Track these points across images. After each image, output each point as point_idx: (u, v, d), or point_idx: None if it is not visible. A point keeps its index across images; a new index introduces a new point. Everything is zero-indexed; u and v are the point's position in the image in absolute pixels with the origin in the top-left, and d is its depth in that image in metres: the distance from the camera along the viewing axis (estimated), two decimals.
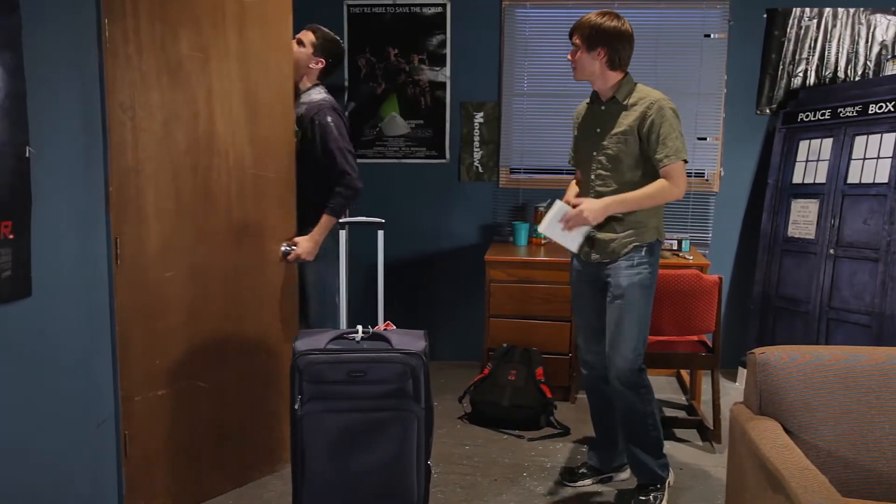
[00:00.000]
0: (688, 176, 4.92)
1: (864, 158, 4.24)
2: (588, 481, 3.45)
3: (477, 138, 5.17)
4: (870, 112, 4.24)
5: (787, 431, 2.30)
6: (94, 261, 2.63)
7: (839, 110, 4.45)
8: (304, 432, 2.49)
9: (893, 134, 4.11)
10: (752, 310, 4.86)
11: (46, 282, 2.30)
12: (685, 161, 3.06)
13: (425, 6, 5.07)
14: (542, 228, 3.09)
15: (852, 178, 4.29)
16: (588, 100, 3.30)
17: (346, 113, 4.98)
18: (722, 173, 5.04)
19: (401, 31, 5.11)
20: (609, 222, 3.11)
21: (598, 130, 3.17)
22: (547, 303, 4.46)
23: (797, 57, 4.88)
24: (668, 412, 4.38)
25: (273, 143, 3.22)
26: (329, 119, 3.36)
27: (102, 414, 2.71)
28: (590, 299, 3.30)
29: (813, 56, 4.87)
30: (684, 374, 4.87)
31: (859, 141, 4.30)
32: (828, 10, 4.82)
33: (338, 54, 3.60)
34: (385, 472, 2.53)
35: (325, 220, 3.34)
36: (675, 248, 4.79)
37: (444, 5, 5.06)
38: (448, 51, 5.11)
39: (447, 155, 5.22)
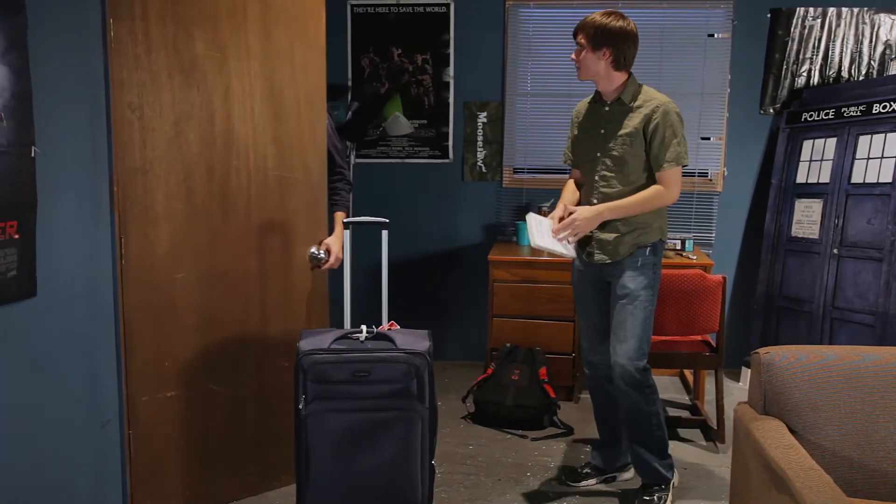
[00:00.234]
0: (692, 176, 5.00)
1: (868, 158, 4.24)
2: (591, 481, 3.44)
3: (480, 138, 5.17)
4: (874, 112, 4.24)
5: (792, 431, 2.30)
6: (99, 261, 2.63)
7: (843, 110, 4.44)
8: (308, 432, 2.49)
9: None
10: (756, 310, 4.86)
11: (51, 281, 2.30)
12: (685, 165, 3.07)
13: (429, 6, 5.07)
14: (535, 244, 3.04)
15: (856, 178, 4.28)
16: (589, 99, 3.29)
17: (350, 113, 4.99)
18: (725, 173, 5.04)
19: (404, 31, 5.12)
20: (612, 223, 3.11)
21: (603, 131, 3.16)
22: (550, 302, 4.46)
23: (801, 56, 4.88)
24: (672, 412, 4.38)
25: (300, 144, 3.13)
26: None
27: (107, 414, 2.71)
28: (592, 299, 3.30)
29: (817, 56, 4.86)
30: (688, 373, 4.86)
31: (863, 141, 4.29)
32: (832, 10, 4.81)
33: None
34: (389, 472, 2.53)
35: (342, 217, 3.36)
36: (678, 247, 4.80)
37: (447, 5, 5.06)
38: (452, 50, 5.11)
39: (451, 155, 5.22)
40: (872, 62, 4.82)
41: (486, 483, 3.46)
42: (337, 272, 3.28)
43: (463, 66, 5.13)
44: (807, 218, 4.57)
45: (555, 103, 5.09)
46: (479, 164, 5.20)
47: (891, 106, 4.14)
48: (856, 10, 4.79)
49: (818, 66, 4.87)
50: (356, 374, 2.46)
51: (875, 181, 4.15)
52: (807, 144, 4.68)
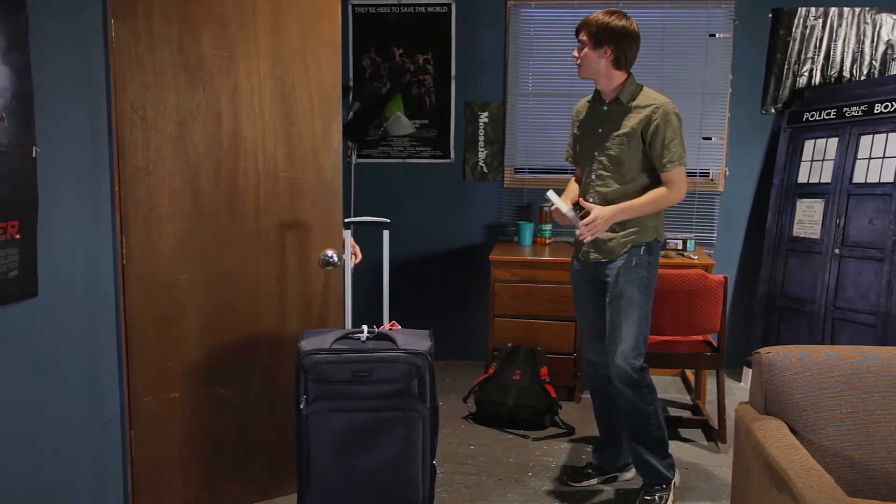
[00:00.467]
0: (693, 176, 5.00)
1: (870, 158, 4.23)
2: (593, 481, 3.45)
3: (482, 138, 5.17)
4: (875, 111, 4.24)
5: (793, 431, 2.30)
6: (100, 261, 2.63)
7: (844, 110, 4.44)
8: (309, 432, 2.49)
9: None
10: (757, 309, 4.85)
11: (53, 281, 2.31)
12: (685, 164, 3.08)
13: (430, 6, 5.07)
14: (552, 200, 3.09)
15: (858, 178, 4.28)
16: (589, 98, 3.30)
17: (351, 113, 4.99)
18: (727, 173, 5.04)
19: (406, 31, 5.12)
20: (608, 229, 3.12)
21: (600, 131, 3.17)
22: (551, 302, 4.46)
23: (802, 56, 4.87)
24: (673, 412, 4.38)
25: (312, 144, 3.06)
26: None
27: (108, 414, 2.72)
28: (590, 299, 3.30)
29: (818, 55, 4.86)
30: (689, 373, 4.86)
31: (865, 140, 4.29)
32: (833, 10, 4.81)
33: None
34: (390, 472, 2.53)
35: None
36: (680, 247, 4.79)
37: (448, 5, 5.06)
38: (453, 50, 5.11)
39: (452, 155, 5.22)
40: (874, 62, 4.81)
41: (488, 483, 3.46)
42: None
43: (464, 66, 5.13)
44: (808, 218, 4.57)
45: (556, 103, 5.09)
46: (480, 164, 5.20)
47: (892, 106, 4.14)
48: (857, 9, 4.79)
49: (819, 66, 4.87)
50: (357, 374, 2.46)
51: (877, 181, 4.15)
52: (808, 144, 4.67)
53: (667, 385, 4.84)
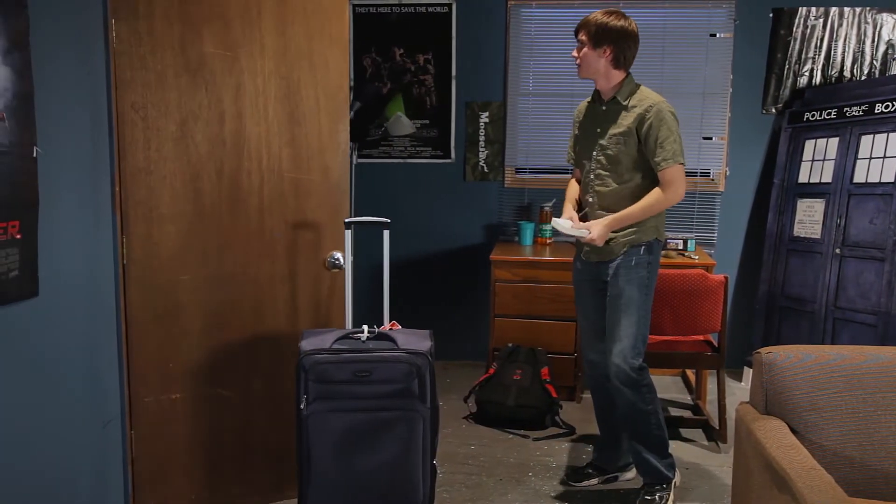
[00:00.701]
0: (694, 176, 5.00)
1: (871, 158, 4.23)
2: (593, 481, 3.45)
3: (482, 138, 5.17)
4: (876, 111, 4.23)
5: (793, 431, 2.30)
6: (101, 261, 2.63)
7: (845, 110, 4.44)
8: (309, 432, 2.50)
9: None
10: (758, 309, 4.85)
11: (53, 281, 2.31)
12: (682, 164, 3.08)
13: (431, 6, 5.08)
14: (555, 222, 3.17)
15: (858, 178, 4.28)
16: (589, 99, 3.32)
17: (352, 113, 4.99)
18: (727, 173, 5.03)
19: (406, 31, 5.12)
20: None
21: (598, 130, 3.19)
22: (552, 302, 4.46)
23: (803, 56, 4.87)
24: (674, 412, 4.38)
25: (318, 145, 3.03)
26: None
27: (109, 414, 2.72)
28: (591, 299, 3.31)
29: (819, 55, 4.86)
30: (690, 373, 4.86)
31: (865, 140, 4.29)
32: (834, 10, 4.81)
33: None
34: (390, 472, 2.53)
35: None
36: (680, 247, 4.79)
37: (449, 5, 5.06)
38: (454, 50, 5.11)
39: (452, 155, 5.22)
40: (874, 62, 4.81)
41: (488, 483, 3.46)
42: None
43: (465, 66, 5.13)
44: (809, 218, 4.57)
45: (557, 103, 5.09)
46: (480, 163, 5.20)
47: (893, 105, 4.14)
48: (858, 9, 4.79)
49: (820, 66, 4.87)
50: (357, 374, 2.46)
51: (877, 181, 4.15)
52: (809, 144, 4.67)
53: (667, 385, 4.84)
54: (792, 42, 4.87)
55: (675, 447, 3.38)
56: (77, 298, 2.48)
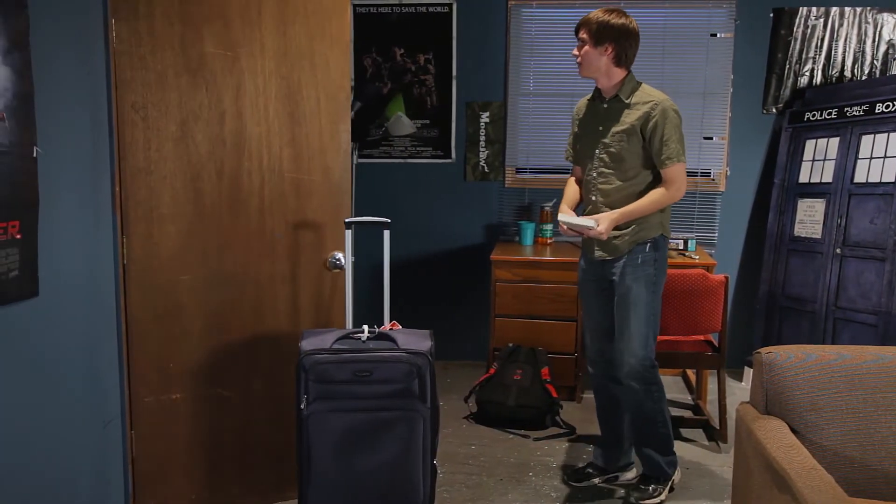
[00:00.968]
0: (694, 175, 4.99)
1: (871, 158, 4.23)
2: (594, 481, 3.45)
3: (483, 138, 5.17)
4: (876, 111, 4.23)
5: (794, 431, 2.30)
6: (101, 261, 2.63)
7: (846, 109, 4.44)
8: (309, 432, 2.50)
9: None
10: (759, 309, 4.85)
11: (53, 282, 2.31)
12: (684, 162, 3.09)
13: (431, 6, 5.08)
14: (561, 218, 3.16)
15: (859, 178, 4.28)
16: (589, 96, 3.32)
17: (352, 113, 4.99)
18: (728, 173, 5.03)
19: (407, 31, 5.12)
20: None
21: (601, 128, 3.18)
22: (552, 302, 4.46)
23: (804, 56, 4.87)
24: (675, 412, 4.37)
25: (319, 145, 3.03)
26: None
27: (109, 414, 2.72)
28: (596, 298, 3.31)
29: (819, 55, 4.86)
30: (690, 373, 4.86)
31: (866, 140, 4.29)
32: (834, 10, 4.81)
33: None
34: (391, 472, 2.53)
35: None
36: (680, 247, 4.79)
37: (450, 5, 5.06)
38: (454, 50, 5.11)
39: (453, 155, 5.22)
40: (875, 62, 4.81)
41: (489, 483, 3.46)
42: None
43: (465, 66, 5.13)
44: (809, 217, 4.57)
45: (557, 103, 5.09)
46: (481, 163, 5.20)
47: (893, 105, 4.14)
48: (858, 9, 4.78)
49: (821, 66, 4.87)
50: (358, 374, 2.46)
51: (878, 181, 4.15)
52: (809, 144, 4.67)
53: (668, 385, 4.83)
54: (792, 42, 4.87)
55: (675, 447, 3.38)
56: (77, 298, 2.48)
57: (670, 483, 3.32)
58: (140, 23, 2.68)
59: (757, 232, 5.00)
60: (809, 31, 4.85)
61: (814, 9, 4.82)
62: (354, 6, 5.13)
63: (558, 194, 5.00)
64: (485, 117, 5.15)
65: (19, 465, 2.20)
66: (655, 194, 3.10)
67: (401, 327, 2.73)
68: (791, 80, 4.90)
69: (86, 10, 2.50)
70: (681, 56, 4.94)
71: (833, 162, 4.46)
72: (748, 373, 4.77)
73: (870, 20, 4.78)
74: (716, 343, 4.02)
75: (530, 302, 4.48)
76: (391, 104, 5.18)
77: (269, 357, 3.05)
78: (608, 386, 3.36)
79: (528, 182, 5.20)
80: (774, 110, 4.95)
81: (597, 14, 3.10)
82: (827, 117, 4.56)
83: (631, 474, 3.47)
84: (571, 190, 3.38)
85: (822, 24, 4.83)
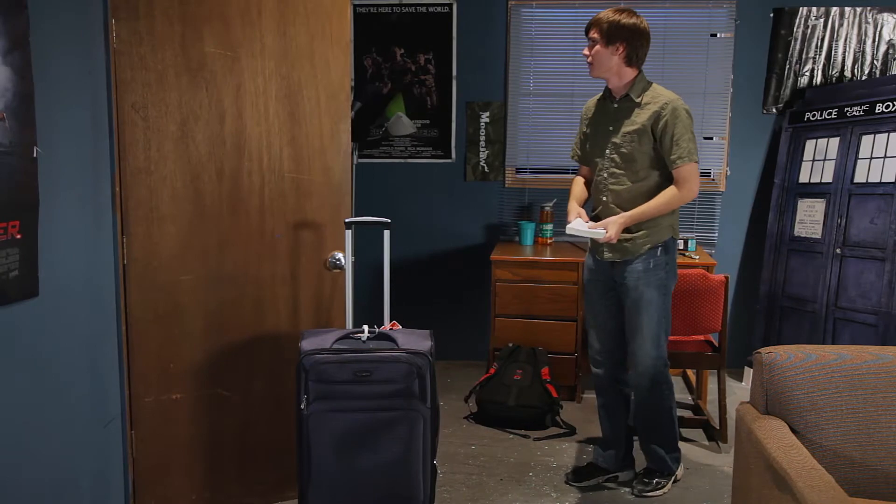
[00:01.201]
0: None
1: (871, 158, 4.23)
2: (594, 481, 3.45)
3: (483, 138, 5.17)
4: (877, 111, 4.23)
5: (794, 431, 2.30)
6: (101, 261, 2.63)
7: (846, 109, 4.44)
8: (309, 432, 2.50)
9: None
10: (759, 309, 4.85)
11: (53, 282, 2.31)
12: (697, 161, 3.09)
13: (431, 6, 5.08)
14: (569, 228, 3.14)
15: (859, 178, 4.28)
16: (599, 96, 3.31)
17: (353, 113, 4.99)
18: (728, 173, 5.03)
19: (407, 31, 5.12)
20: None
21: (611, 128, 3.18)
22: (553, 302, 4.46)
23: (804, 56, 4.87)
24: None
25: (320, 145, 3.03)
26: None
27: (109, 414, 2.72)
28: (601, 298, 3.31)
29: (819, 55, 4.86)
30: (690, 373, 4.86)
31: (866, 140, 4.29)
32: (835, 10, 4.81)
33: None
34: (391, 472, 2.53)
35: None
36: (681, 247, 4.79)
37: (450, 5, 5.06)
38: (454, 50, 5.11)
39: (453, 155, 5.22)
40: (875, 62, 4.81)
41: (489, 483, 3.46)
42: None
43: (465, 66, 5.13)
44: (809, 217, 4.57)
45: (557, 103, 5.09)
46: (481, 163, 5.20)
47: (893, 105, 4.14)
48: (859, 9, 4.78)
49: (821, 66, 4.87)
50: (358, 374, 2.46)
51: (878, 181, 4.15)
52: (809, 144, 4.67)
53: None
54: (792, 42, 4.87)
55: None
56: (77, 298, 2.48)
57: (673, 477, 3.35)
58: (140, 23, 2.68)
59: (757, 232, 5.00)
60: (809, 31, 4.85)
61: (814, 9, 4.83)
62: (354, 6, 5.13)
63: (558, 194, 5.03)
64: (485, 117, 5.15)
65: (19, 464, 2.20)
66: (666, 195, 3.09)
67: (401, 327, 2.73)
68: (791, 80, 4.90)
69: (86, 10, 2.50)
70: (681, 56, 4.94)
71: (833, 162, 4.46)
72: (748, 373, 4.77)
73: (870, 20, 4.78)
74: (716, 343, 4.02)
75: (530, 302, 4.48)
76: (391, 104, 5.18)
77: (270, 357, 3.05)
78: (611, 385, 3.37)
79: (528, 182, 5.20)
80: (774, 110, 4.95)
81: (607, 14, 3.09)
82: (827, 117, 4.56)
83: (631, 473, 3.48)
84: (578, 189, 3.37)
85: (822, 24, 4.83)
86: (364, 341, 2.57)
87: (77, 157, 2.46)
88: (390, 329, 2.68)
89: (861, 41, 4.81)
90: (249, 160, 2.93)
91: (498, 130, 5.15)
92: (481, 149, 5.19)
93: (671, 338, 3.96)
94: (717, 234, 5.08)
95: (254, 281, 2.99)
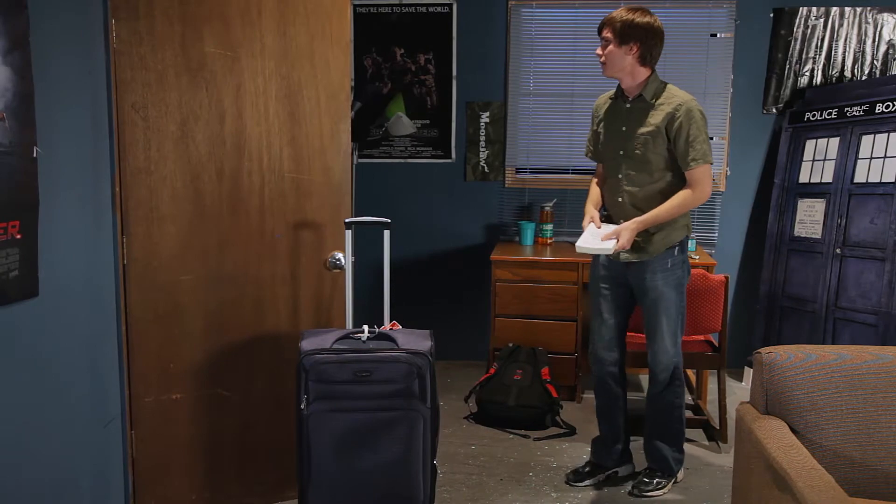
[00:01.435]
0: None
1: (871, 158, 4.23)
2: (594, 479, 3.45)
3: (483, 138, 5.17)
4: (876, 111, 4.23)
5: (794, 431, 2.30)
6: (101, 261, 2.63)
7: (846, 109, 4.44)
8: (309, 432, 2.50)
9: None
10: (759, 309, 4.85)
11: (53, 282, 2.31)
12: (711, 163, 3.09)
13: (431, 6, 5.08)
14: (579, 247, 3.13)
15: (859, 178, 4.28)
16: (610, 94, 3.28)
17: (353, 113, 4.99)
18: (728, 173, 5.03)
19: (407, 31, 5.12)
20: None
21: (624, 129, 3.16)
22: (552, 302, 4.45)
23: (804, 56, 4.87)
24: None
25: (320, 145, 3.03)
26: None
27: (109, 414, 2.72)
28: (610, 297, 3.31)
29: (819, 55, 4.86)
30: (690, 373, 4.85)
31: (866, 140, 4.29)
32: (834, 10, 4.81)
33: None
34: (391, 472, 2.53)
35: None
36: None
37: (450, 5, 5.06)
38: (454, 50, 5.11)
39: (453, 155, 5.22)
40: (875, 62, 4.81)
41: (489, 483, 3.46)
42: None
43: (465, 66, 5.13)
44: (809, 217, 4.57)
45: (557, 103, 5.09)
46: (481, 163, 5.20)
47: (893, 105, 4.14)
48: (859, 9, 4.78)
49: (821, 66, 4.87)
50: (358, 374, 2.46)
51: (878, 181, 4.15)
52: (809, 144, 4.67)
53: None
54: (792, 42, 4.87)
55: None
56: (77, 298, 2.48)
57: (674, 479, 3.35)
58: (140, 23, 2.68)
59: (757, 232, 5.00)
60: (809, 31, 4.85)
61: (814, 9, 4.83)
62: (354, 6, 5.13)
63: (558, 194, 5.04)
64: (485, 117, 5.15)
65: (19, 464, 2.20)
66: (679, 198, 3.08)
67: (401, 327, 2.73)
68: (791, 80, 4.90)
69: (86, 10, 2.50)
70: (681, 56, 4.93)
71: (833, 162, 4.46)
72: (748, 373, 4.77)
73: (870, 20, 4.79)
74: (716, 343, 4.02)
75: (530, 302, 4.48)
76: (391, 104, 5.18)
77: (270, 357, 3.05)
78: (609, 383, 3.39)
79: (528, 182, 5.20)
80: (774, 110, 4.95)
81: (621, 13, 3.06)
82: (827, 117, 4.56)
83: (630, 468, 3.50)
84: (595, 192, 3.36)
85: (822, 24, 4.83)
86: (364, 341, 2.58)
87: (77, 157, 2.46)
88: (390, 329, 2.68)
89: (861, 41, 4.81)
90: (249, 160, 2.93)
91: (498, 130, 5.15)
92: (481, 149, 5.19)
93: None
94: (717, 234, 5.08)
95: (254, 281, 2.99)
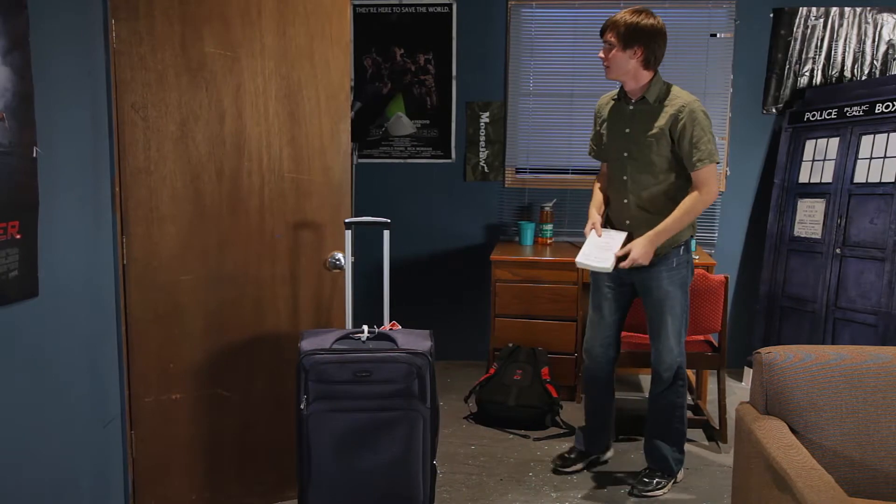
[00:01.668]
0: None
1: (871, 158, 4.23)
2: (579, 465, 3.53)
3: (483, 138, 5.17)
4: (876, 111, 4.23)
5: (794, 431, 2.30)
6: (101, 261, 2.63)
7: (846, 109, 4.44)
8: (309, 432, 2.50)
9: None
10: (758, 309, 4.85)
11: (53, 282, 2.31)
12: (717, 162, 3.09)
13: (431, 6, 5.08)
14: (578, 262, 3.15)
15: (859, 178, 4.28)
16: (613, 95, 3.28)
17: (352, 113, 5.00)
18: (728, 173, 5.03)
19: (407, 31, 5.12)
20: (644, 228, 3.13)
21: (628, 131, 3.16)
22: (552, 302, 4.45)
23: (804, 56, 4.87)
24: None
25: (320, 145, 3.03)
26: None
27: (109, 414, 2.72)
28: (610, 294, 3.33)
29: (819, 55, 4.86)
30: (690, 373, 4.85)
31: (866, 140, 4.29)
32: (834, 10, 4.81)
33: None
34: (391, 472, 2.53)
35: None
36: None
37: (450, 5, 5.06)
38: (454, 50, 5.11)
39: (453, 155, 5.22)
40: (875, 62, 4.81)
41: (489, 483, 3.46)
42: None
43: (465, 66, 5.13)
44: (809, 218, 4.57)
45: (557, 103, 5.09)
46: (481, 164, 5.20)
47: (893, 105, 4.14)
48: (858, 9, 4.78)
49: (821, 66, 4.87)
50: (358, 375, 2.46)
51: (878, 181, 4.15)
52: (809, 144, 4.67)
53: None
54: (792, 42, 4.87)
55: None
56: (77, 298, 2.48)
57: (673, 479, 3.36)
58: (140, 23, 2.68)
59: (757, 232, 5.00)
60: (809, 31, 4.85)
61: (814, 9, 4.83)
62: (354, 6, 5.12)
63: (558, 194, 5.04)
64: (485, 117, 5.15)
65: (19, 464, 2.20)
66: (686, 204, 3.08)
67: (401, 327, 2.73)
68: (791, 80, 4.90)
69: (86, 10, 2.50)
70: (681, 56, 4.93)
71: (833, 162, 4.46)
72: (748, 373, 4.77)
73: (870, 20, 4.79)
74: (716, 343, 4.02)
75: (530, 302, 4.48)
76: (391, 104, 5.18)
77: (270, 357, 3.05)
78: (600, 378, 3.46)
79: (528, 182, 5.20)
80: (774, 110, 4.95)
81: (624, 16, 3.03)
82: (827, 117, 4.56)
83: (611, 453, 3.61)
84: (599, 196, 3.37)
85: (822, 24, 4.83)
86: (364, 341, 2.58)
87: (77, 157, 2.46)
88: (390, 329, 2.68)
89: (861, 41, 4.81)
90: (249, 160, 2.93)
91: (498, 130, 5.15)
92: (481, 149, 5.19)
93: None
94: (716, 234, 5.08)
95: (254, 281, 2.99)
